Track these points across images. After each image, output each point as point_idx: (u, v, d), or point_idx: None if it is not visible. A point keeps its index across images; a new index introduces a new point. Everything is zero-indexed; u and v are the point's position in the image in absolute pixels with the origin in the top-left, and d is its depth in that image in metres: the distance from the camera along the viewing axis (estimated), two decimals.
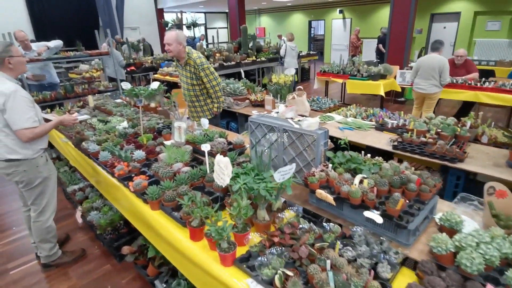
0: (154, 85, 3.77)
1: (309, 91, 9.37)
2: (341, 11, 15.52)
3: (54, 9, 11.89)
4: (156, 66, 8.75)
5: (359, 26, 13.29)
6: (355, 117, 3.50)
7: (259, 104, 4.07)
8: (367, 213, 1.45)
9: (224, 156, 2.42)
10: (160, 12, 15.18)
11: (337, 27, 16.03)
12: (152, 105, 3.75)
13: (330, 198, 1.59)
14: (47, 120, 2.52)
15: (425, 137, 2.63)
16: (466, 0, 11.38)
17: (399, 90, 6.46)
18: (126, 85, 4.20)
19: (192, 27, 12.40)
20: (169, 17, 14.44)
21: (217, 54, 8.33)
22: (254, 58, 8.90)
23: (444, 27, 12.15)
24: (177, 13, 13.40)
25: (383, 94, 5.95)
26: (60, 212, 2.59)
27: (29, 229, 2.62)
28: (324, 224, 1.53)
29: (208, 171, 2.07)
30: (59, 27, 11.80)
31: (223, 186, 1.57)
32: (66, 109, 3.96)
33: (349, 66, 6.79)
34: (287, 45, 8.07)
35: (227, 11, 20.28)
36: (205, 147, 2.09)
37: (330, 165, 1.82)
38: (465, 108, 5.74)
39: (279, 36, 13.21)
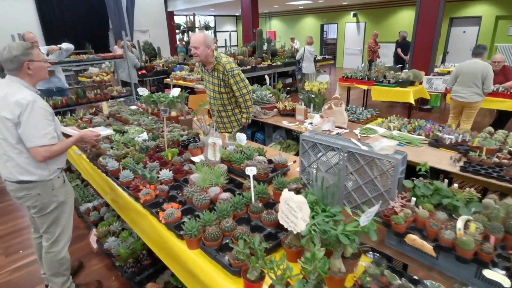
0: (175, 91, 3.43)
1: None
2: (355, 15, 15.15)
3: (63, 11, 11.76)
4: (168, 70, 8.46)
5: (374, 30, 12.89)
6: (400, 130, 3.14)
7: (288, 114, 3.72)
8: (488, 273, 1.09)
9: (266, 178, 2.09)
10: (170, 15, 14.99)
11: (350, 31, 15.66)
12: (173, 114, 3.41)
13: (428, 247, 1.23)
14: (66, 136, 2.17)
15: (497, 157, 2.26)
16: (488, 4, 10.97)
17: (429, 97, 6.08)
18: (143, 91, 3.88)
19: (204, 30, 12.12)
20: (179, 20, 14.22)
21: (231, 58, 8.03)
22: (269, 62, 8.59)
23: (464, 32, 11.74)
24: (188, 16, 13.16)
25: (412, 102, 5.58)
26: (72, 233, 2.24)
27: (40, 259, 2.28)
28: (424, 281, 1.18)
29: (253, 200, 1.72)
30: (68, 29, 11.65)
31: (295, 232, 1.22)
32: (78, 116, 3.66)
33: (374, 71, 6.43)
34: (306, 49, 7.70)
35: (237, 14, 20.09)
36: (251, 171, 1.75)
37: (414, 198, 1.46)
38: (502, 118, 5.34)
39: (292, 39, 12.88)
